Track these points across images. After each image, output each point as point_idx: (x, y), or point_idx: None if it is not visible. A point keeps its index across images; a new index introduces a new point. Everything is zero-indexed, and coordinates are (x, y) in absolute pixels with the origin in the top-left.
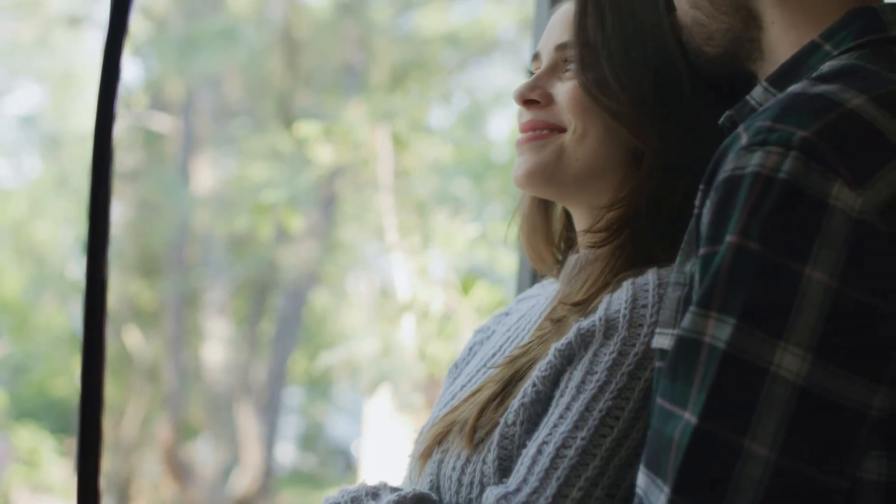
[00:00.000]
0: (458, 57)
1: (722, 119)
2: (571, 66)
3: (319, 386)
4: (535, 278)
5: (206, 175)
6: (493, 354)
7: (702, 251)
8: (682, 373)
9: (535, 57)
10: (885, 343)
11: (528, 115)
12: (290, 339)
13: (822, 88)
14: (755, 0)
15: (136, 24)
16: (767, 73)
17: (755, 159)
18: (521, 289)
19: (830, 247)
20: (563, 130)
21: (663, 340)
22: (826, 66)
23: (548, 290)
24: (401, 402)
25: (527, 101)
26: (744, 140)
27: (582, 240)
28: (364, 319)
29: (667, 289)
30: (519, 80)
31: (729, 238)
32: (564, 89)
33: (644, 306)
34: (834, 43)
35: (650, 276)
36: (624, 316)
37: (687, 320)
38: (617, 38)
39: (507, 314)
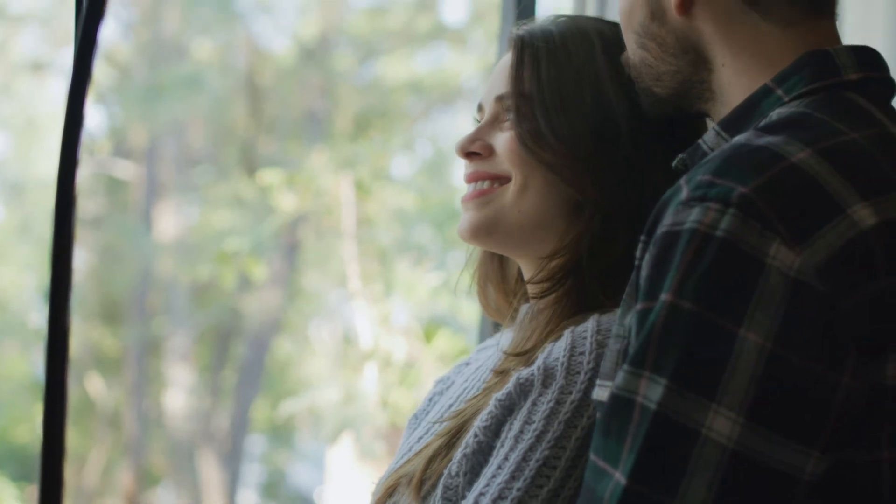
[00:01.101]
0: (421, 105)
1: (675, 162)
2: (510, 117)
3: (282, 434)
4: (497, 327)
5: (169, 222)
6: (450, 405)
7: (638, 306)
8: (615, 431)
9: (479, 108)
10: (820, 407)
11: (471, 167)
12: (253, 386)
13: (765, 140)
14: (704, 43)
15: (100, 71)
16: (720, 113)
17: (693, 215)
18: (482, 337)
19: (766, 308)
20: (506, 180)
21: (603, 393)
22: (775, 114)
23: (503, 341)
24: (363, 450)
25: (468, 153)
26: (684, 194)
27: (528, 290)
28: (326, 367)
29: (606, 335)
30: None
31: (663, 296)
32: (503, 140)
33: (582, 353)
34: (786, 88)
35: (589, 323)
36: (562, 364)
37: (620, 378)
38: (552, 89)
39: (467, 364)
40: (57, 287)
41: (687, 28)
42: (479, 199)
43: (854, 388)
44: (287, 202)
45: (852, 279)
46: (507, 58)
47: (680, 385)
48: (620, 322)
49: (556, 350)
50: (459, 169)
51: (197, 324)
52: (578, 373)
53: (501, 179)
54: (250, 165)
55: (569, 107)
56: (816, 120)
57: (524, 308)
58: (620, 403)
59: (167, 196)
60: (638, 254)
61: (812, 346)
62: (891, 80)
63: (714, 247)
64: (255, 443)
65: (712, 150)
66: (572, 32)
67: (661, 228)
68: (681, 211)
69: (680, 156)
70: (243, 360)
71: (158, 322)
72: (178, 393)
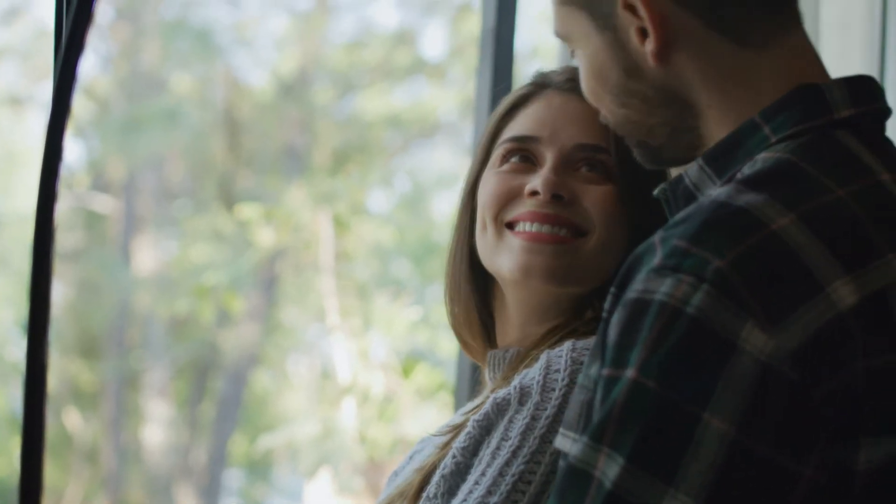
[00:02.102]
0: (400, 139)
1: (656, 192)
2: (596, 170)
3: (260, 468)
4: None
5: (148, 256)
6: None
7: (606, 372)
8: (570, 501)
9: (529, 140)
10: (780, 497)
11: (550, 208)
12: (231, 421)
13: (746, 200)
14: (687, 88)
15: (79, 104)
16: None
17: (664, 286)
18: (461, 371)
19: (733, 393)
20: (582, 233)
21: (565, 443)
22: (760, 159)
23: (482, 395)
24: (341, 485)
25: (556, 195)
26: (657, 258)
27: (526, 330)
28: (305, 402)
29: (581, 353)
30: (463, 163)
31: (629, 372)
32: (599, 194)
33: (556, 371)
34: (773, 126)
35: (565, 345)
36: (538, 382)
37: (579, 449)
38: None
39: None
40: (35, 321)
41: (667, 76)
42: (559, 245)
43: (818, 478)
44: (265, 237)
45: (827, 366)
46: (582, 106)
47: (637, 465)
48: (586, 373)
49: (532, 371)
50: (438, 204)
51: (175, 358)
52: (553, 389)
53: (578, 231)
54: (229, 200)
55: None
56: (802, 172)
57: (507, 353)
58: (578, 475)
59: (145, 230)
60: (607, 306)
61: (778, 435)
62: (885, 109)
63: (683, 324)
64: (233, 477)
65: (695, 185)
66: None
67: (631, 293)
68: (653, 278)
69: (662, 186)
70: (221, 395)
71: (136, 356)
72: (156, 427)
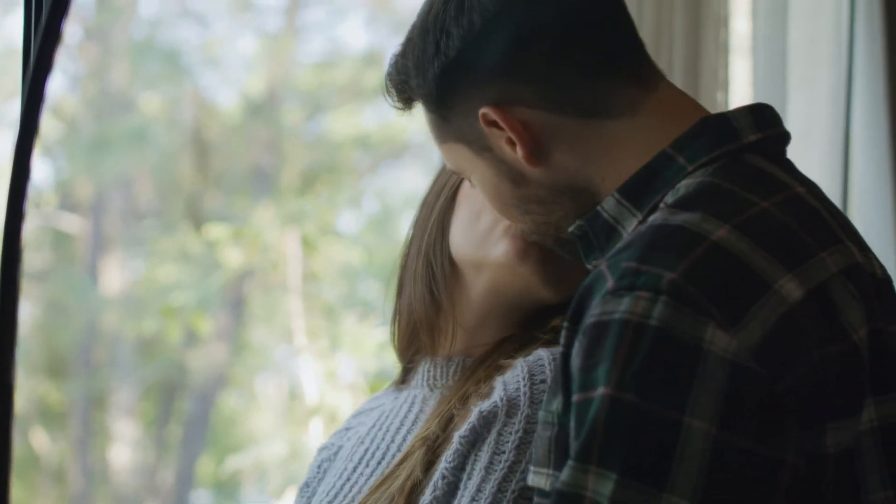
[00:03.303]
0: (368, 160)
1: (572, 228)
2: None
3: (227, 489)
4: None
5: (115, 276)
6: (355, 467)
7: (576, 398)
8: None
9: None
10: (767, 486)
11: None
12: (198, 441)
13: (682, 218)
14: (574, 174)
15: (47, 124)
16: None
17: (623, 305)
18: None
19: (707, 393)
20: None
21: (539, 479)
22: (682, 187)
23: (399, 398)
24: None
25: None
26: (609, 283)
27: (476, 337)
28: (272, 422)
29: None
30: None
31: (603, 390)
32: None
33: (543, 381)
34: (687, 156)
35: (542, 352)
36: (524, 393)
37: (566, 474)
38: None
39: (347, 429)
40: (1, 341)
41: (550, 172)
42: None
43: (797, 463)
44: (233, 257)
45: (787, 357)
46: None
47: (629, 478)
48: (547, 409)
49: (514, 380)
50: (406, 225)
51: (142, 378)
52: (541, 401)
53: None
54: (197, 220)
55: None
56: (726, 191)
57: (439, 362)
58: (569, 499)
59: (113, 250)
60: (563, 340)
61: (755, 427)
62: (785, 132)
63: (649, 336)
64: (201, 498)
65: (615, 218)
66: None
67: (590, 318)
68: (609, 301)
69: (578, 222)
70: (189, 415)
71: (103, 376)
72: (123, 447)
